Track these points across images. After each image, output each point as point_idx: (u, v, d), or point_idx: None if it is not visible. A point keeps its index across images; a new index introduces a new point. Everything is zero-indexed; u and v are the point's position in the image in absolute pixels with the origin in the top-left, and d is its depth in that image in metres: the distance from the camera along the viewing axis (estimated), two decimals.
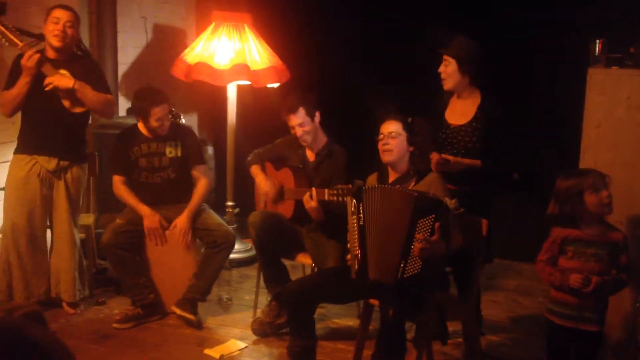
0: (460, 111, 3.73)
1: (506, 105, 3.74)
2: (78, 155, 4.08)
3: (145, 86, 4.29)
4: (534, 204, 5.06)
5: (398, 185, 3.31)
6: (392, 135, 3.35)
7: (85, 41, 5.29)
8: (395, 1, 5.30)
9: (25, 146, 3.97)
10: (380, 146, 3.39)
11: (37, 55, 3.77)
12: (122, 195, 4.11)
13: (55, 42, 3.83)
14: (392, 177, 3.42)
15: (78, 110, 3.94)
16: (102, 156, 4.80)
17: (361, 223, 3.18)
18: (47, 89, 3.78)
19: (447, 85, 3.71)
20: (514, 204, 5.17)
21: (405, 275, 3.07)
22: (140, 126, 4.13)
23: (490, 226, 3.43)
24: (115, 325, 3.97)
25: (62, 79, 3.80)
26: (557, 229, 3.06)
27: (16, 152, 4.02)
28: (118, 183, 4.13)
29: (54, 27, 3.82)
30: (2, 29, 3.82)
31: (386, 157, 3.38)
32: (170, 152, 4.13)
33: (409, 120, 3.46)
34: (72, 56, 3.95)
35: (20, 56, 3.85)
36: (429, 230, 3.02)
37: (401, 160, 3.39)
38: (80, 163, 4.08)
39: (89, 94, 3.89)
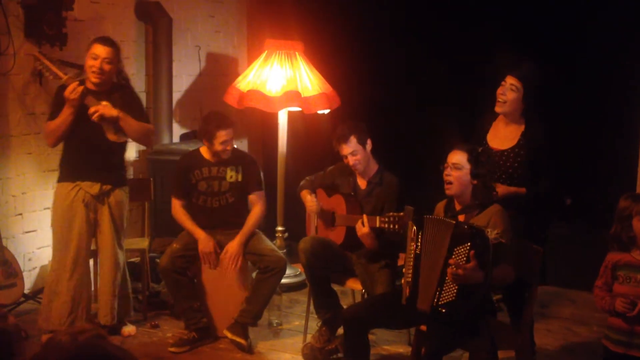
0: (504, 136, 3.72)
1: (551, 133, 3.70)
2: (119, 179, 4.14)
3: (214, 110, 4.37)
4: (589, 232, 5.00)
5: (451, 215, 3.30)
6: (456, 167, 3.31)
7: (142, 69, 5.47)
8: (444, 29, 5.31)
9: (68, 174, 4.02)
10: (444, 176, 3.35)
11: (81, 88, 3.82)
12: (179, 218, 4.18)
13: (93, 79, 3.89)
14: (458, 206, 3.39)
15: (119, 139, 4.00)
16: (156, 181, 4.92)
17: (417, 251, 3.21)
18: (93, 117, 3.83)
19: (504, 108, 3.64)
20: (568, 232, 5.09)
21: (440, 302, 3.09)
22: (203, 150, 4.22)
23: (544, 251, 3.39)
24: (171, 349, 4.03)
25: (107, 108, 3.86)
26: (610, 253, 3.07)
27: (60, 180, 4.06)
28: (177, 206, 4.20)
29: (92, 63, 3.86)
30: (48, 62, 3.93)
31: (447, 191, 3.36)
32: (231, 176, 4.19)
33: (479, 150, 3.40)
34: (112, 87, 4.00)
35: (63, 87, 3.92)
36: (464, 258, 3.02)
37: (463, 193, 3.33)
38: (121, 186, 4.13)
39: (131, 124, 3.97)
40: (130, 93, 4.13)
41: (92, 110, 3.84)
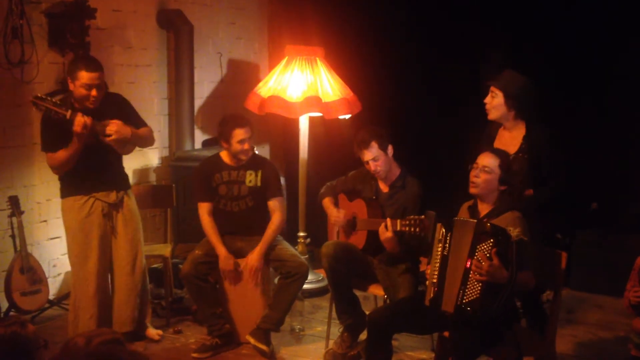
0: (507, 142, 3.77)
1: (554, 135, 3.77)
2: (126, 181, 4.15)
3: (231, 112, 4.39)
4: (616, 236, 4.93)
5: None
6: (485, 170, 3.29)
7: (164, 76, 5.52)
8: (465, 33, 5.27)
9: (80, 187, 3.94)
10: (470, 176, 3.34)
11: (89, 120, 3.69)
12: (206, 228, 4.17)
13: (91, 106, 3.78)
14: (481, 209, 3.35)
15: (128, 152, 4.01)
16: (178, 188, 4.95)
17: (445, 253, 3.19)
18: (109, 142, 3.78)
19: (492, 115, 3.80)
20: (595, 237, 5.02)
21: (464, 301, 3.07)
22: (222, 155, 4.23)
23: (570, 255, 3.35)
24: (194, 355, 4.04)
25: (121, 131, 3.80)
26: None
27: (67, 195, 3.96)
28: (204, 212, 4.19)
29: (86, 93, 3.73)
30: (46, 105, 3.71)
31: (471, 189, 3.33)
32: (250, 180, 4.20)
33: (510, 157, 3.43)
34: (103, 99, 3.89)
35: (48, 118, 3.76)
36: (487, 255, 3.02)
37: (488, 196, 3.31)
38: (129, 189, 4.15)
39: (140, 135, 3.97)
40: (120, 99, 4.06)
41: (108, 131, 3.75)
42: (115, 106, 3.95)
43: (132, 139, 3.92)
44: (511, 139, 3.78)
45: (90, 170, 3.91)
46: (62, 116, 3.70)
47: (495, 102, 3.76)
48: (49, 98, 3.74)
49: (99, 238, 3.96)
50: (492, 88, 3.78)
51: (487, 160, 3.29)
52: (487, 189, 3.29)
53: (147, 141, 4.14)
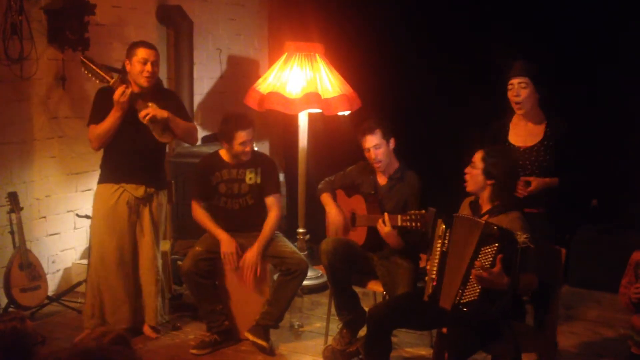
0: (527, 133, 3.78)
1: (574, 124, 3.82)
2: (161, 181, 4.21)
3: (233, 111, 4.39)
4: (615, 233, 4.93)
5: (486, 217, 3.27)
6: (472, 166, 3.31)
7: (164, 72, 5.51)
8: (465, 30, 5.27)
9: (112, 175, 4.06)
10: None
11: (129, 90, 3.85)
12: (200, 219, 4.20)
13: (145, 83, 3.93)
14: (483, 206, 3.35)
15: (166, 140, 4.07)
16: (178, 184, 4.94)
17: (444, 249, 3.19)
18: (144, 120, 3.88)
19: (524, 107, 3.76)
20: (594, 233, 5.03)
21: (462, 301, 3.07)
22: (222, 152, 4.23)
23: (569, 251, 3.35)
24: (193, 351, 4.04)
25: (158, 110, 3.92)
26: (636, 252, 3.07)
27: (101, 181, 4.10)
28: (197, 208, 4.22)
29: (142, 68, 3.91)
30: (93, 67, 3.92)
31: (466, 187, 3.35)
32: (250, 178, 4.20)
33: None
34: (155, 88, 4.05)
35: (103, 90, 3.97)
36: (490, 259, 2.99)
37: (479, 192, 3.31)
38: (162, 189, 4.20)
39: (180, 124, 4.04)
40: (170, 92, 4.22)
41: (143, 113, 3.87)
42: (166, 98, 4.08)
43: (171, 125, 3.98)
44: (532, 129, 3.79)
45: (125, 161, 4.01)
46: (106, 81, 3.88)
47: (528, 92, 3.73)
48: (98, 62, 3.95)
49: (121, 227, 4.02)
50: (515, 81, 3.74)
51: (475, 156, 3.32)
52: (475, 183, 3.29)
53: (188, 134, 4.21)
